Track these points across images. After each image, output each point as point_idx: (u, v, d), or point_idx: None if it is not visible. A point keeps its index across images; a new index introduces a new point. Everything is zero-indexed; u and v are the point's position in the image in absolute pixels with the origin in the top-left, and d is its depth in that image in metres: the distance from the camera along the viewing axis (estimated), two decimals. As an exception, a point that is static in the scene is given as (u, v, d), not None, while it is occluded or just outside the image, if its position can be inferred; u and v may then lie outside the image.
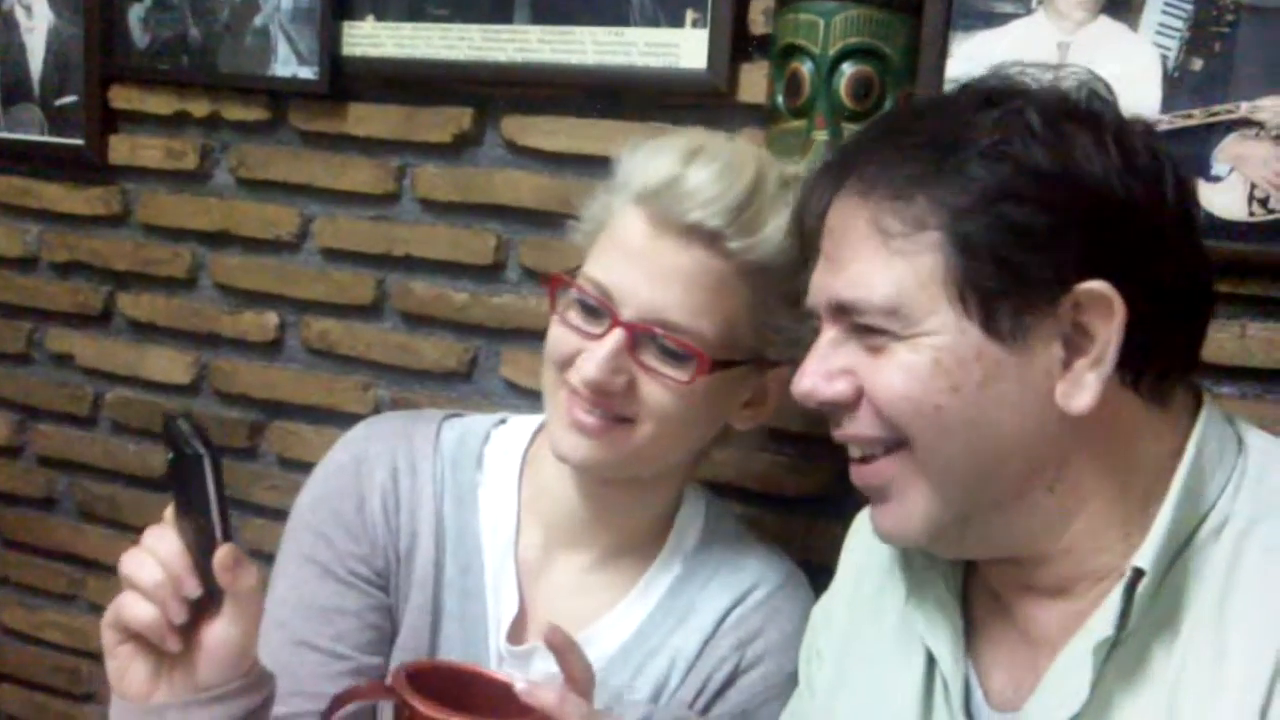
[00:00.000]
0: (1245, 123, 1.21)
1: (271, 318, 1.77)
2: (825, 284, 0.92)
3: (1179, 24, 1.23)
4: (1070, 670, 0.87)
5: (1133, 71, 1.23)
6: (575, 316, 1.13)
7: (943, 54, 1.30)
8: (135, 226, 1.85)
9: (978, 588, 0.99)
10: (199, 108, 1.78)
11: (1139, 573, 0.84)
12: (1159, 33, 1.23)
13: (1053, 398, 0.85)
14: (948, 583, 0.98)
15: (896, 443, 0.89)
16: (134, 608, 0.89)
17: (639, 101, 1.51)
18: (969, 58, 1.27)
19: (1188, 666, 0.84)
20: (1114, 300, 0.83)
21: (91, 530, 1.94)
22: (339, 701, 0.95)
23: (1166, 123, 1.22)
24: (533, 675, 1.09)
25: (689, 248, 1.08)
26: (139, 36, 1.79)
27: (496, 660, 1.17)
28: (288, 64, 1.68)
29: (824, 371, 0.91)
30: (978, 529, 0.90)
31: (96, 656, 1.38)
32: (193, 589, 0.88)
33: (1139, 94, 1.21)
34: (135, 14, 1.78)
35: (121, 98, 1.83)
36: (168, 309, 1.84)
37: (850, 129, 1.28)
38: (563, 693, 0.91)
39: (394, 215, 1.67)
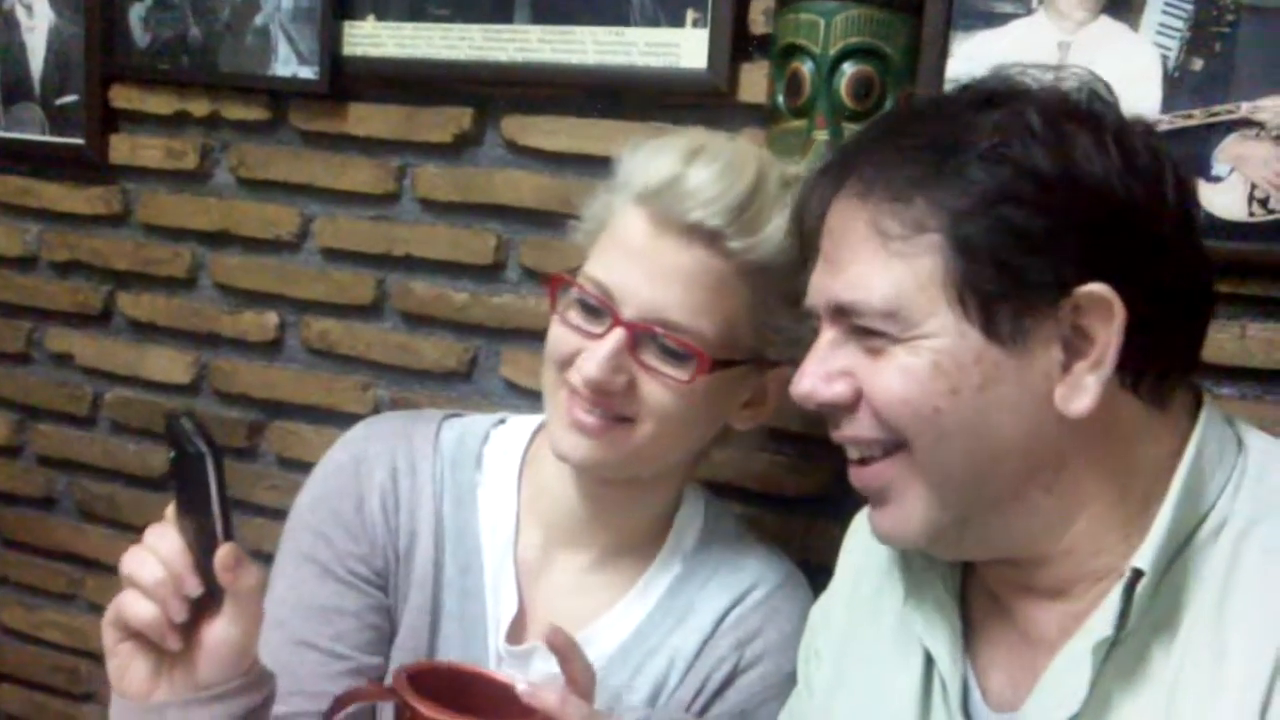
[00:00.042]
0: (1245, 123, 1.21)
1: (271, 318, 1.76)
2: (824, 285, 0.92)
3: (1179, 24, 1.23)
4: (1069, 670, 0.87)
5: (1133, 71, 1.23)
6: (576, 316, 1.13)
7: (943, 54, 1.30)
8: (135, 226, 1.85)
9: (976, 588, 0.99)
10: (199, 107, 1.77)
11: (1138, 573, 0.84)
12: (1159, 33, 1.23)
13: (1052, 400, 0.85)
14: (946, 583, 0.98)
15: (895, 445, 0.89)
16: (135, 606, 0.89)
17: (639, 101, 1.50)
18: (969, 58, 1.27)
19: (1186, 667, 0.84)
20: (1114, 303, 0.83)
21: (91, 530, 1.94)
22: (340, 703, 0.95)
23: (1167, 123, 1.22)
24: (532, 675, 1.09)
25: (690, 247, 1.08)
26: (139, 36, 1.79)
27: (496, 660, 1.17)
28: (288, 64, 1.68)
29: (823, 373, 0.91)
30: (976, 531, 0.90)
31: (96, 656, 1.38)
32: (193, 588, 0.88)
33: (1139, 94, 1.20)
34: (136, 13, 1.78)
35: (122, 97, 1.83)
36: (168, 309, 1.84)
37: (851, 129, 1.28)
38: (564, 694, 0.92)
39: (394, 215, 1.67)
